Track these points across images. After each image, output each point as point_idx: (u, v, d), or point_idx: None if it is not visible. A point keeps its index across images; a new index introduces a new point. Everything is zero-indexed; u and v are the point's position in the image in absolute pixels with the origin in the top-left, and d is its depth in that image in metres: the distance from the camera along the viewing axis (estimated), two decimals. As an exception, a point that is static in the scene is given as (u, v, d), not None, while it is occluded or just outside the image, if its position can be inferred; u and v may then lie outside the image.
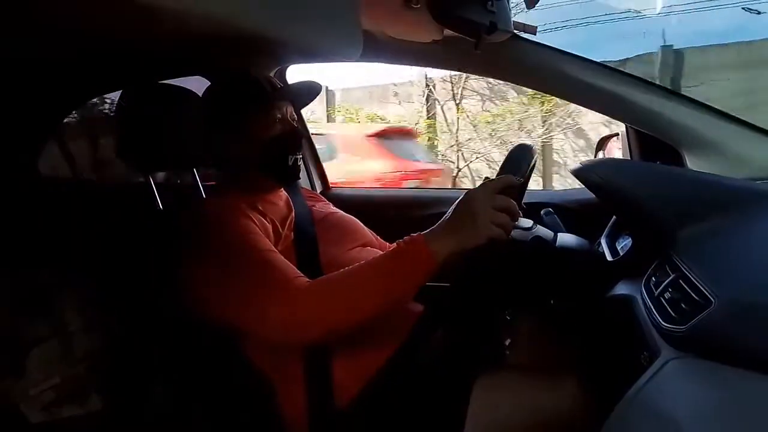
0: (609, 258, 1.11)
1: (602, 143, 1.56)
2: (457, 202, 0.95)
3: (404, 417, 1.01)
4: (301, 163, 1.20)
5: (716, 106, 1.19)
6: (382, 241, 1.34)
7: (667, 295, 0.76)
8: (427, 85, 7.45)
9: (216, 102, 1.18)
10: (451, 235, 0.92)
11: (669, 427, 0.54)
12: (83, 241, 1.34)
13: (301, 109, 1.41)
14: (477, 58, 1.22)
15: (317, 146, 2.01)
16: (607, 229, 1.24)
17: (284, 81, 1.76)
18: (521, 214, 1.01)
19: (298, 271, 0.98)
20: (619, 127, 1.43)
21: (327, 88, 8.05)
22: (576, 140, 6.66)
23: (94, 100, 1.78)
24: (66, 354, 0.93)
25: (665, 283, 0.79)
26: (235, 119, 1.14)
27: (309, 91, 1.25)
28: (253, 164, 1.15)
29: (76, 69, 1.34)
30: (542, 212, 1.32)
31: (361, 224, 1.29)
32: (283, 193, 1.24)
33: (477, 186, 0.95)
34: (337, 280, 0.95)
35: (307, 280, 0.96)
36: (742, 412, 0.55)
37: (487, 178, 0.99)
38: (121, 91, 1.36)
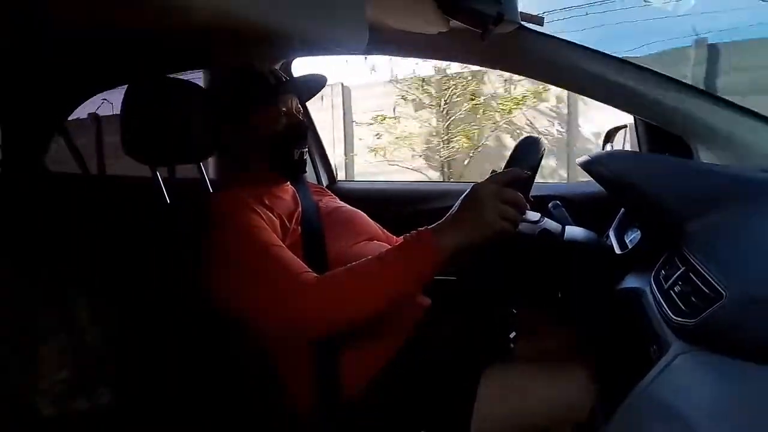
0: (617, 251, 1.10)
1: (610, 135, 1.54)
2: (463, 195, 0.94)
3: (412, 409, 1.01)
4: (307, 156, 1.20)
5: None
6: (389, 234, 1.34)
7: (676, 288, 0.76)
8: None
9: (220, 96, 1.18)
10: (458, 229, 0.92)
11: (679, 421, 0.54)
12: (91, 236, 1.35)
13: (306, 102, 1.41)
14: (483, 49, 1.21)
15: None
16: (615, 222, 1.23)
17: (289, 74, 1.76)
18: (529, 207, 1.00)
19: (306, 266, 0.98)
20: (628, 119, 1.42)
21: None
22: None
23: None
24: (75, 348, 0.94)
25: (675, 276, 0.78)
26: (240, 113, 1.14)
27: (314, 84, 1.24)
28: (258, 158, 1.15)
29: (82, 64, 1.34)
30: (550, 205, 1.31)
31: (368, 218, 1.29)
32: (290, 187, 1.24)
33: (484, 179, 0.94)
34: (344, 275, 0.95)
35: (314, 275, 0.96)
36: (753, 407, 0.54)
37: (494, 171, 0.99)
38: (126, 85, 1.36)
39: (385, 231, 1.34)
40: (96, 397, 0.95)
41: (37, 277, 1.01)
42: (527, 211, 1.07)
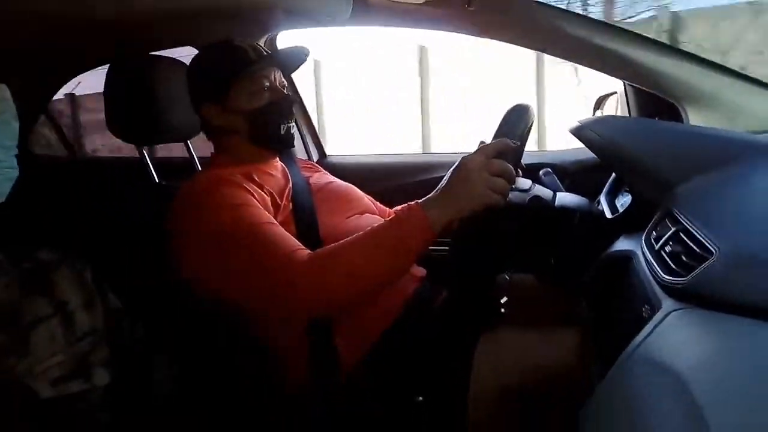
0: (609, 215, 1.11)
1: (600, 101, 1.54)
2: (452, 168, 0.94)
3: (409, 379, 1.02)
4: (295, 130, 1.18)
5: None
6: (381, 206, 1.34)
7: (667, 248, 0.76)
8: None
9: (203, 72, 1.16)
10: (448, 203, 0.92)
11: (671, 376, 0.55)
12: (80, 218, 1.34)
13: (289, 74, 1.39)
14: (471, 18, 1.19)
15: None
16: (606, 187, 1.24)
17: (274, 49, 1.73)
18: (519, 176, 1.00)
19: (299, 243, 0.98)
20: (618, 85, 1.42)
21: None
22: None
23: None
24: (68, 331, 0.93)
25: (666, 236, 0.78)
26: (222, 89, 1.12)
27: (297, 56, 1.22)
28: (244, 134, 1.14)
29: (64, 44, 1.31)
30: (541, 172, 1.31)
31: (359, 191, 1.28)
32: (279, 163, 1.23)
33: (473, 151, 0.94)
34: (337, 252, 0.95)
35: (308, 252, 0.96)
36: (743, 360, 0.55)
37: (482, 142, 0.98)
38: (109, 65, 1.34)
39: (377, 204, 1.33)
40: (93, 378, 0.95)
41: (28, 261, 1.00)
42: (518, 179, 1.06)
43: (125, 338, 1.12)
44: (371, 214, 1.24)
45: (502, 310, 1.09)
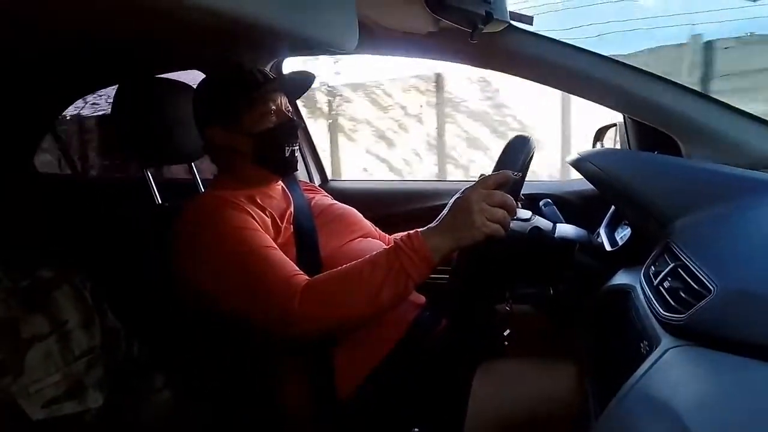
0: (608, 248, 1.11)
1: (600, 134, 1.55)
2: (453, 199, 0.95)
3: (406, 408, 1.02)
4: (298, 154, 1.19)
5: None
6: (382, 232, 1.34)
7: (666, 284, 0.76)
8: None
9: (210, 95, 1.18)
10: (448, 233, 0.92)
11: (669, 415, 0.54)
12: (81, 237, 1.34)
13: (295, 99, 1.41)
14: (473, 49, 1.21)
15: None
16: (605, 220, 1.24)
17: (280, 74, 1.75)
18: (520, 207, 1.00)
19: (297, 268, 0.98)
20: (617, 118, 1.43)
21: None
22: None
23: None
24: (65, 351, 0.93)
25: (664, 272, 0.78)
26: (230, 111, 1.13)
27: (303, 82, 1.24)
28: (249, 157, 1.15)
29: (71, 64, 1.33)
30: (541, 203, 1.31)
31: (360, 216, 1.29)
32: (282, 186, 1.24)
33: (474, 183, 0.94)
34: (335, 279, 0.95)
35: (306, 277, 0.96)
36: (741, 400, 0.55)
37: (482, 174, 0.99)
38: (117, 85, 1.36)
39: (378, 229, 1.34)
40: (87, 400, 0.94)
41: (27, 279, 1.00)
42: (518, 210, 1.07)
43: (121, 358, 1.11)
44: (372, 238, 1.24)
45: (506, 342, 1.08)
